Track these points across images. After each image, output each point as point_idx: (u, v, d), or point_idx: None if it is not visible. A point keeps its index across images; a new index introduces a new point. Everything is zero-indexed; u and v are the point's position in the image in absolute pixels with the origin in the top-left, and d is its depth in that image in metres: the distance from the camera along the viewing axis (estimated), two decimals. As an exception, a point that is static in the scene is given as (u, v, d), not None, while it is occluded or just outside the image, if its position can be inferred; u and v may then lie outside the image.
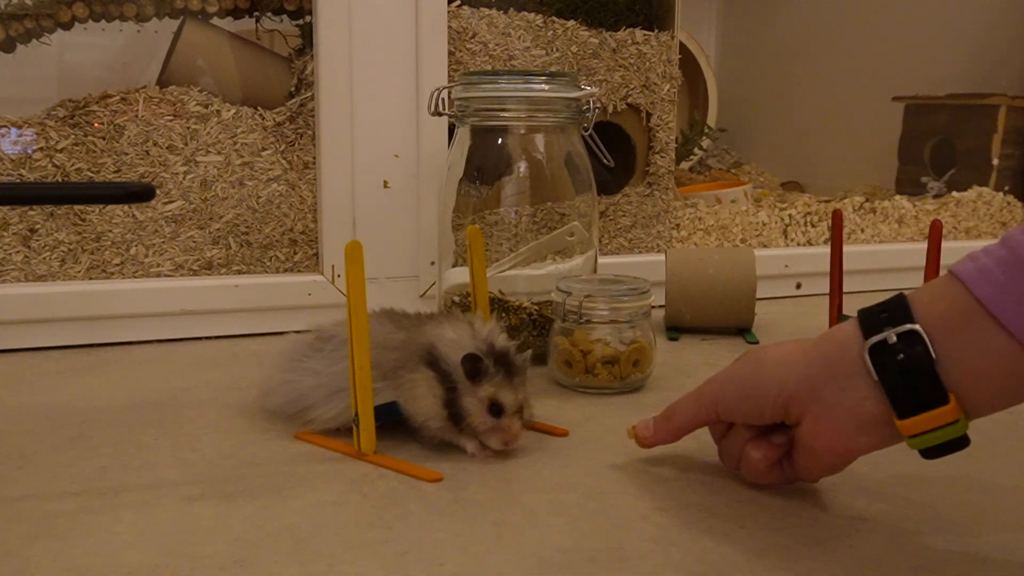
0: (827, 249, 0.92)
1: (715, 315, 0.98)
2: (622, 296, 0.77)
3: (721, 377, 0.55)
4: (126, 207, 0.95)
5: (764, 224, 1.26)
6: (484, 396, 0.60)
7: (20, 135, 0.92)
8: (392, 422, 0.63)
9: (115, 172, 0.95)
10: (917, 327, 0.45)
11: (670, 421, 0.58)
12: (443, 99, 0.86)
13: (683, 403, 0.58)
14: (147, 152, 0.96)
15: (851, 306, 0.92)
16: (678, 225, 1.21)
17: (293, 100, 1.01)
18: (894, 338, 0.46)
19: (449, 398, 0.60)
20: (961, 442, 0.47)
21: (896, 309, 0.47)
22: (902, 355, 0.45)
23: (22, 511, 0.52)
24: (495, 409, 0.60)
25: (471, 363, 0.60)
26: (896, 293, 0.48)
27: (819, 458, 0.51)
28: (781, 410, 0.51)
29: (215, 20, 1.07)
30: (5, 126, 0.92)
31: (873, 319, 0.47)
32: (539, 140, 0.87)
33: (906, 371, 0.45)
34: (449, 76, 1.00)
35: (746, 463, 0.55)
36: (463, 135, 0.87)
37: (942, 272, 0.49)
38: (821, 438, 0.50)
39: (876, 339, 0.46)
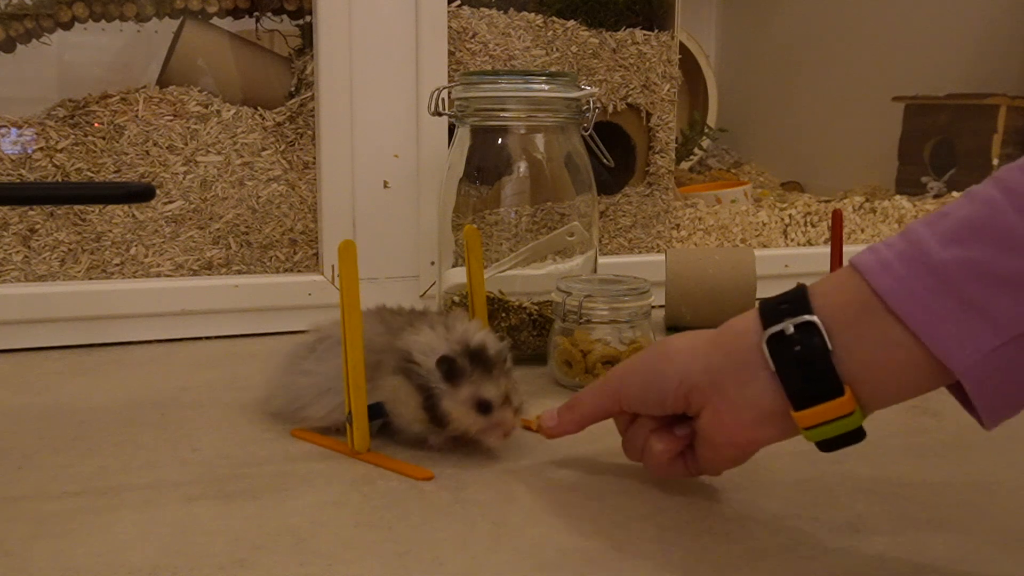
0: (827, 249, 0.92)
1: (715, 315, 0.98)
2: (622, 296, 0.77)
3: (625, 366, 0.55)
4: (126, 207, 0.95)
5: (764, 224, 1.26)
6: (466, 397, 0.59)
7: (20, 135, 0.92)
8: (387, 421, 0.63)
9: (115, 172, 0.95)
10: (814, 318, 0.45)
11: (574, 411, 0.58)
12: (443, 99, 0.86)
13: (587, 393, 0.57)
14: (147, 152, 0.96)
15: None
16: (678, 225, 1.21)
17: (293, 100, 1.01)
18: (791, 329, 0.45)
19: (428, 404, 0.59)
20: (856, 435, 0.47)
21: (795, 300, 0.47)
22: (799, 346, 0.45)
23: (22, 511, 0.52)
24: (483, 407, 0.59)
25: (446, 366, 0.59)
26: (797, 284, 0.48)
27: (720, 450, 0.51)
28: (682, 400, 0.50)
29: (215, 20, 1.07)
30: (5, 126, 0.92)
31: (773, 310, 0.47)
32: (539, 140, 0.87)
33: (802, 362, 0.45)
34: (449, 76, 1.00)
35: (648, 455, 0.54)
36: (463, 135, 0.87)
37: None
38: (721, 430, 0.49)
39: (774, 330, 0.46)
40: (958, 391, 0.44)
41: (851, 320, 0.45)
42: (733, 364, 0.48)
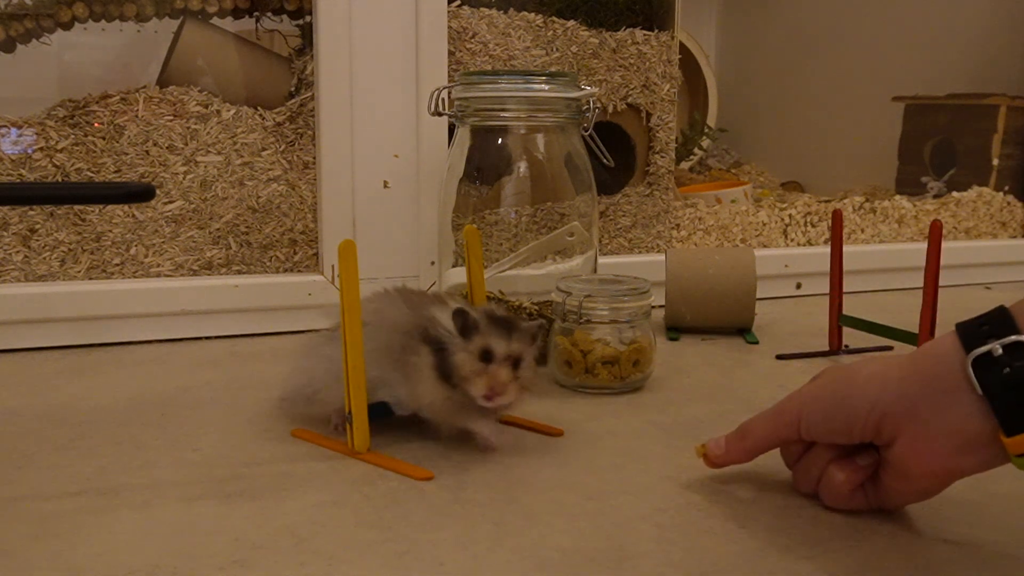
0: (827, 249, 0.92)
1: (715, 315, 0.98)
2: (622, 296, 0.77)
3: (804, 393, 0.53)
4: (126, 207, 0.95)
5: (764, 224, 1.26)
6: (475, 348, 0.59)
7: (20, 135, 0.92)
8: (386, 420, 0.63)
9: (115, 172, 0.95)
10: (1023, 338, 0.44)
11: (745, 439, 0.55)
12: (443, 99, 0.86)
13: (760, 420, 0.55)
14: (147, 152, 0.96)
15: (851, 306, 0.93)
16: (678, 225, 1.21)
17: (293, 100, 1.01)
18: (999, 350, 0.44)
19: (439, 360, 0.59)
20: None
21: (998, 321, 0.45)
22: (1008, 368, 0.43)
23: (22, 511, 0.52)
24: (485, 356, 0.59)
25: (461, 318, 0.59)
26: (996, 306, 0.46)
27: (914, 481, 0.49)
28: (873, 429, 0.48)
29: (215, 20, 1.07)
30: (5, 126, 0.92)
31: (974, 331, 0.45)
32: (539, 140, 0.87)
33: (1014, 385, 0.43)
34: (449, 76, 1.00)
35: (828, 485, 0.52)
36: (463, 135, 0.87)
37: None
38: (918, 459, 0.47)
39: (980, 351, 0.44)
40: None
41: None
42: (931, 389, 0.46)
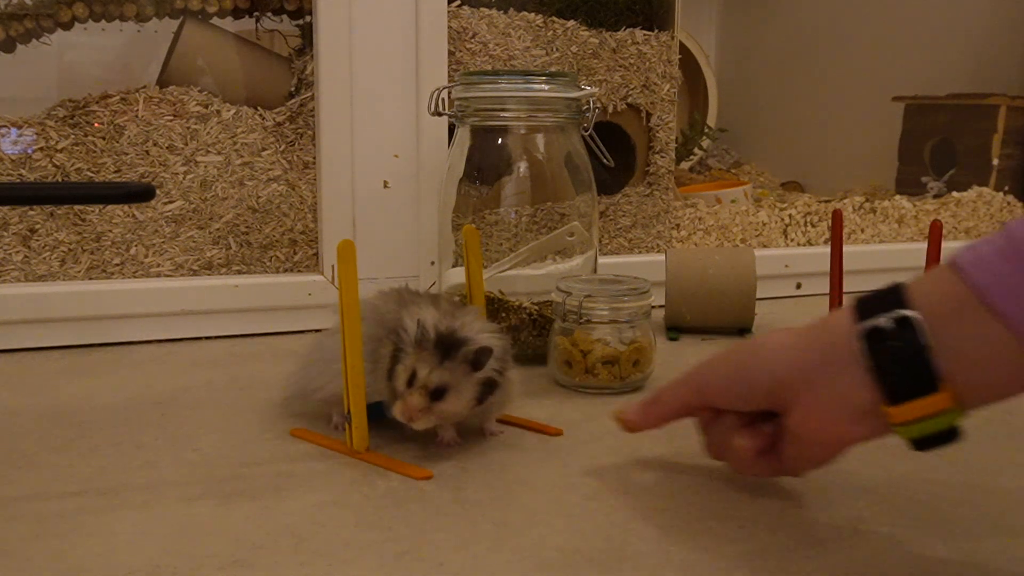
0: (827, 249, 0.92)
1: (715, 315, 0.98)
2: (622, 296, 0.77)
3: (711, 361, 0.54)
4: (126, 207, 0.95)
5: (764, 224, 1.26)
6: (408, 365, 0.58)
7: (20, 135, 0.92)
8: (385, 420, 0.63)
9: (115, 172, 0.95)
10: (912, 313, 0.45)
11: (657, 405, 0.57)
12: (443, 99, 0.86)
13: (671, 387, 0.56)
14: (147, 152, 0.96)
15: (851, 306, 0.93)
16: (678, 225, 1.21)
17: (293, 100, 1.01)
18: (887, 323, 0.45)
19: (392, 362, 0.59)
20: (952, 434, 0.46)
21: (892, 296, 0.46)
22: (894, 341, 0.45)
23: (22, 511, 0.52)
24: (411, 378, 0.58)
25: (419, 330, 0.58)
26: (893, 282, 0.47)
27: (807, 448, 0.50)
28: (770, 396, 0.50)
29: (215, 20, 1.07)
30: (5, 126, 0.92)
31: (868, 305, 0.47)
32: (539, 140, 0.87)
33: (899, 357, 0.45)
34: (449, 76, 1.00)
35: (731, 452, 0.53)
36: (463, 135, 0.87)
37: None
38: (810, 427, 0.48)
39: (869, 324, 0.45)
40: None
41: (948, 316, 0.44)
42: (824, 359, 0.47)
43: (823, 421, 0.48)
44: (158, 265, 0.96)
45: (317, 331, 0.71)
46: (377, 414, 0.62)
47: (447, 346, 0.58)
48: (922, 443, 0.46)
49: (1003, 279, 0.43)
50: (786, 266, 1.21)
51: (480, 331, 0.60)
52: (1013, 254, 0.43)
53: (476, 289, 0.74)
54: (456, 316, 0.61)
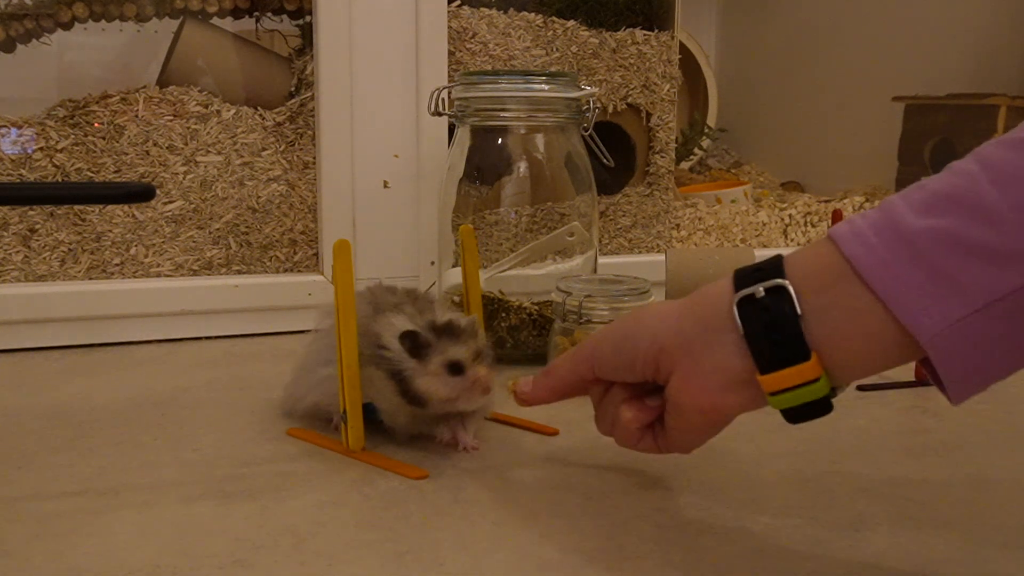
0: (827, 249, 0.92)
1: (715, 315, 0.98)
2: (622, 296, 0.77)
3: (601, 332, 0.54)
4: (126, 207, 0.95)
5: (764, 224, 1.26)
6: (436, 365, 0.58)
7: (20, 135, 0.92)
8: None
9: (115, 172, 0.95)
10: (785, 282, 0.45)
11: (549, 377, 0.57)
12: (443, 99, 0.86)
13: (562, 359, 0.56)
14: (147, 152, 0.96)
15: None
16: (678, 225, 1.21)
17: (293, 100, 1.01)
18: (762, 292, 0.45)
19: (403, 388, 0.59)
20: (823, 405, 0.46)
21: (769, 267, 0.46)
22: (767, 310, 0.45)
23: (22, 511, 0.52)
24: (454, 368, 0.58)
25: (410, 340, 0.58)
26: (775, 254, 0.48)
27: (686, 417, 0.49)
28: (652, 364, 0.49)
29: (215, 20, 1.07)
30: (5, 126, 0.92)
31: (746, 275, 0.47)
32: (539, 140, 0.87)
33: (770, 325, 0.45)
34: (449, 76, 1.00)
35: (618, 425, 0.53)
36: (463, 135, 0.87)
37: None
38: (688, 394, 0.48)
39: (744, 293, 0.46)
40: (930, 367, 0.44)
41: (822, 286, 0.44)
42: (703, 327, 0.48)
43: (700, 388, 0.48)
44: (158, 265, 0.96)
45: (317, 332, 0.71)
46: (368, 415, 0.62)
47: (451, 329, 0.59)
48: (794, 414, 0.47)
49: (875, 250, 0.43)
50: (786, 266, 1.21)
51: (453, 314, 0.61)
52: (887, 226, 0.43)
53: (472, 289, 0.74)
54: (427, 310, 0.62)
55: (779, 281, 0.45)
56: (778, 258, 0.47)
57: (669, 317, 0.50)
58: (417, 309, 0.62)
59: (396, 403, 0.60)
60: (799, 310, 0.44)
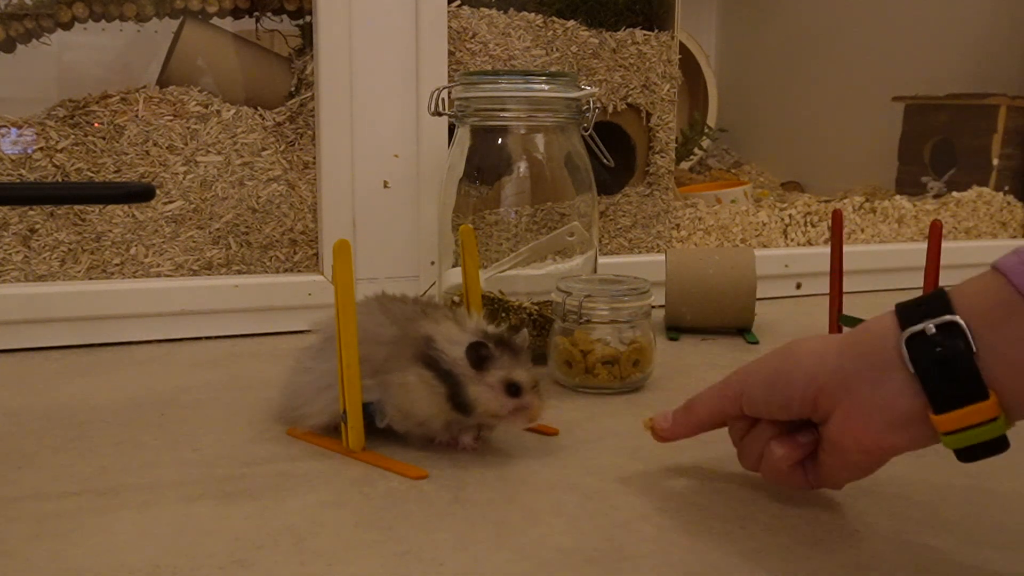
0: (827, 249, 0.92)
1: (715, 315, 0.98)
2: (622, 296, 0.77)
3: (748, 368, 0.53)
4: (126, 207, 0.95)
5: (764, 224, 1.26)
6: (496, 380, 0.59)
7: (20, 135, 0.92)
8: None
9: (115, 172, 0.95)
10: (957, 318, 0.43)
11: (690, 413, 0.55)
12: (443, 99, 0.86)
13: (705, 395, 0.55)
14: (147, 152, 0.96)
15: (851, 306, 0.93)
16: (678, 225, 1.21)
17: (293, 100, 1.01)
18: (932, 329, 0.44)
19: (453, 392, 0.59)
20: (999, 444, 0.44)
21: (935, 302, 0.45)
22: (940, 347, 0.43)
23: (22, 511, 0.52)
24: (512, 389, 0.59)
25: (476, 351, 0.59)
26: (938, 287, 0.46)
27: (847, 456, 0.48)
28: (810, 404, 0.48)
29: (215, 20, 1.07)
30: (5, 126, 0.92)
31: (911, 311, 0.45)
32: (539, 140, 0.87)
33: (944, 363, 0.43)
34: (449, 76, 1.00)
35: (767, 462, 0.52)
36: (463, 135, 0.87)
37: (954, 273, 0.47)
38: (850, 434, 0.47)
39: (914, 330, 0.44)
40: None
41: (995, 322, 0.43)
42: (867, 365, 0.46)
43: (864, 428, 0.46)
44: (158, 265, 0.96)
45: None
46: (367, 415, 0.61)
47: (512, 347, 0.60)
48: (968, 453, 0.45)
49: None
50: (786, 266, 1.21)
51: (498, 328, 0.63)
52: None
53: (472, 289, 0.74)
54: (465, 320, 0.62)
55: (950, 317, 0.44)
56: (942, 292, 0.46)
57: (828, 355, 0.48)
58: (453, 318, 0.63)
59: (439, 406, 0.60)
60: (974, 347, 0.43)
